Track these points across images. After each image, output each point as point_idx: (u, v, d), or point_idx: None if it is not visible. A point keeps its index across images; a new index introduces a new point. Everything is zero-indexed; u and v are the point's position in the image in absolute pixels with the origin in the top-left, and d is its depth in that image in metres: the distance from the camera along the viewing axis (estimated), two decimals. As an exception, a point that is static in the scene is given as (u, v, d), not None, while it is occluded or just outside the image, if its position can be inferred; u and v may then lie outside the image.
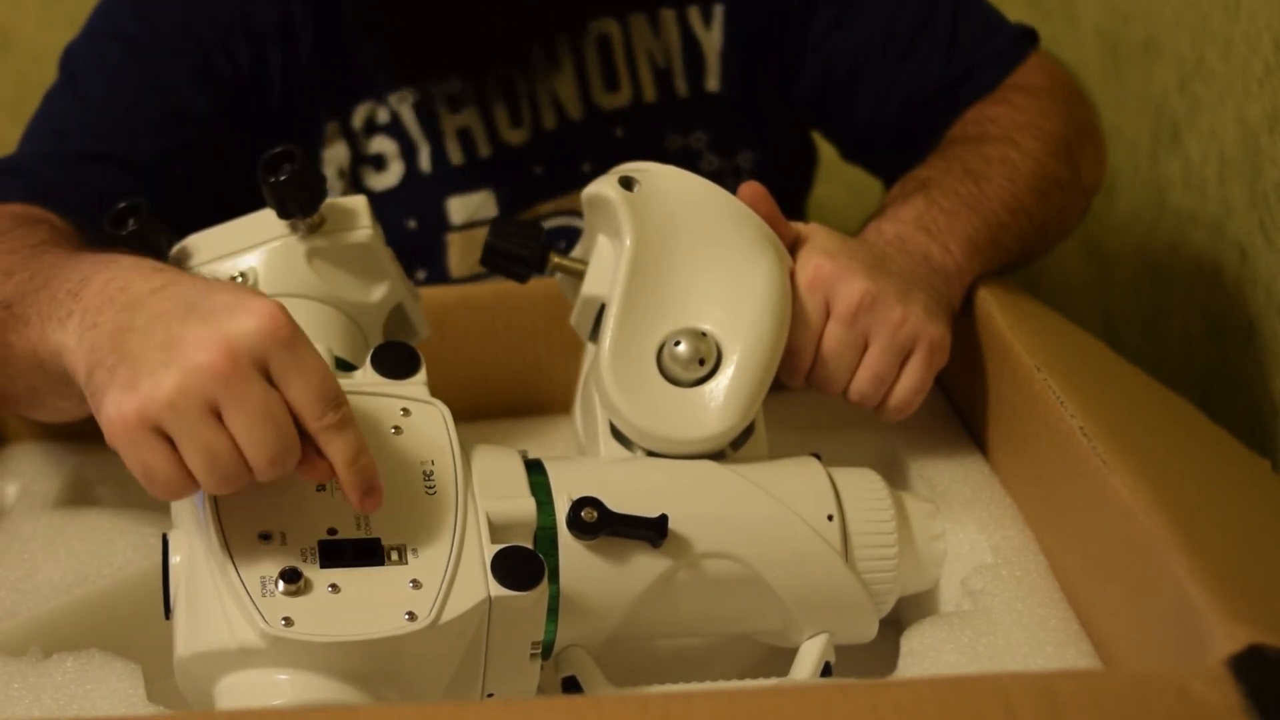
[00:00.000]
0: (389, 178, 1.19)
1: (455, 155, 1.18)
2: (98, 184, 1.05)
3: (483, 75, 1.17)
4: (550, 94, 1.19)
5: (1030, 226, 1.04)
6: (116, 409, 0.70)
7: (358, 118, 1.17)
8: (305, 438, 0.72)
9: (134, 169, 1.08)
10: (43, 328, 0.78)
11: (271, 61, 1.14)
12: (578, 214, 1.19)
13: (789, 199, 1.29)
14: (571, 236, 1.20)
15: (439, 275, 1.20)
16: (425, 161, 1.18)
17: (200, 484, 0.71)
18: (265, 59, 1.14)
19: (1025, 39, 1.18)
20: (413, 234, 1.19)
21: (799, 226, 0.93)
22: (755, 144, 1.24)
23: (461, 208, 1.19)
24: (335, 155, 1.18)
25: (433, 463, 0.79)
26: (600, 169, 1.19)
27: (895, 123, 1.18)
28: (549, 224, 1.21)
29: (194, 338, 0.70)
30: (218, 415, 0.70)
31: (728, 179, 1.22)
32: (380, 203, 1.14)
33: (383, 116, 1.18)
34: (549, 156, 1.20)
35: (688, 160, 1.22)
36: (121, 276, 0.76)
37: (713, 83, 1.21)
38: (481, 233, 1.17)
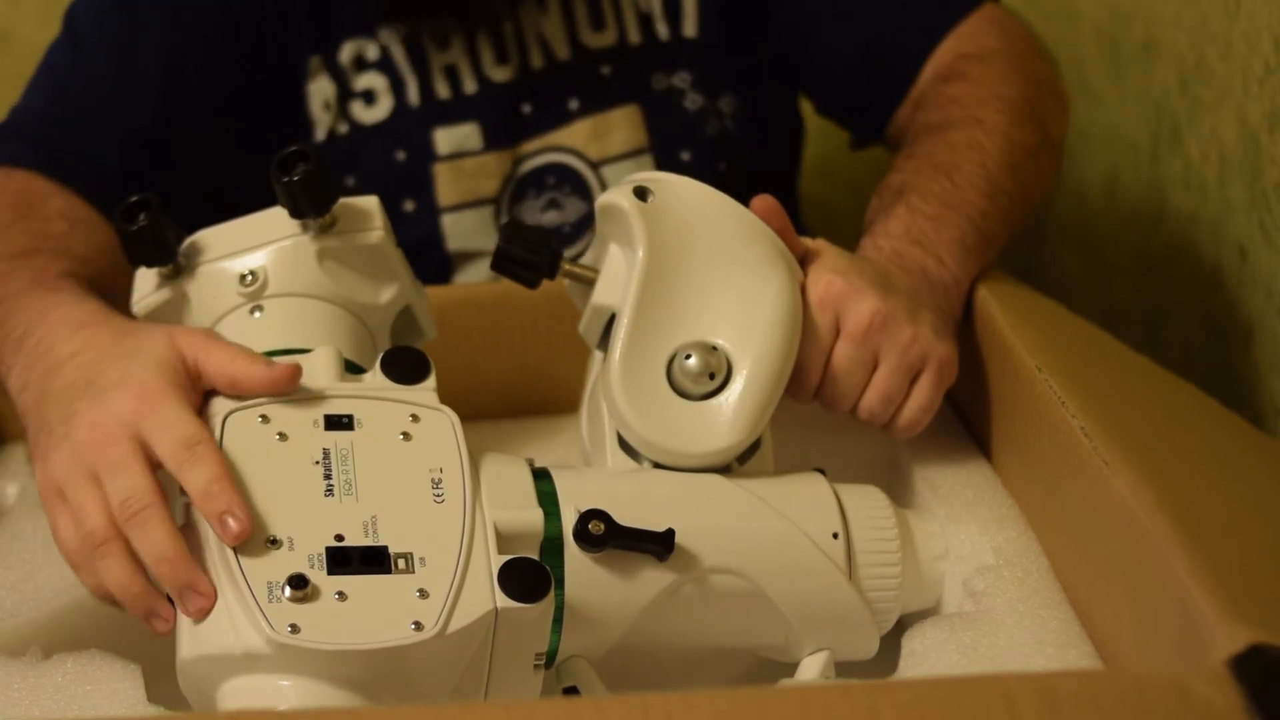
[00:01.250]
0: (379, 111, 1.22)
1: (442, 90, 1.21)
2: (98, 147, 1.10)
3: (470, 13, 1.20)
4: (538, 34, 1.22)
5: (1012, 204, 1.04)
6: (40, 476, 0.82)
7: (345, 54, 1.20)
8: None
9: (132, 129, 1.12)
10: None
11: (269, 9, 1.18)
12: (564, 150, 1.21)
13: (774, 163, 1.31)
14: (559, 172, 1.23)
15: (427, 206, 1.22)
16: (414, 95, 1.21)
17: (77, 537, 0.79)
18: (263, 10, 1.17)
19: None
20: (401, 165, 1.22)
21: (808, 242, 0.93)
22: (737, 88, 1.26)
23: (447, 139, 1.22)
24: (320, 89, 1.20)
25: (441, 470, 0.79)
26: (587, 106, 1.23)
27: (854, 70, 1.20)
28: (537, 160, 1.23)
29: (84, 416, 0.81)
30: (99, 482, 0.79)
31: (710, 119, 1.24)
32: (370, 136, 1.21)
33: (372, 53, 1.20)
34: (537, 95, 1.23)
35: (672, 98, 1.24)
36: (49, 336, 0.87)
37: (690, 28, 1.24)
38: (468, 163, 1.22)
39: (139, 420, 0.79)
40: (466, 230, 1.22)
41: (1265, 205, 1.12)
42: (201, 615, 0.74)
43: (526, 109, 1.22)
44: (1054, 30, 1.58)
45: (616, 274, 0.89)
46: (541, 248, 0.91)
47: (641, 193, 0.88)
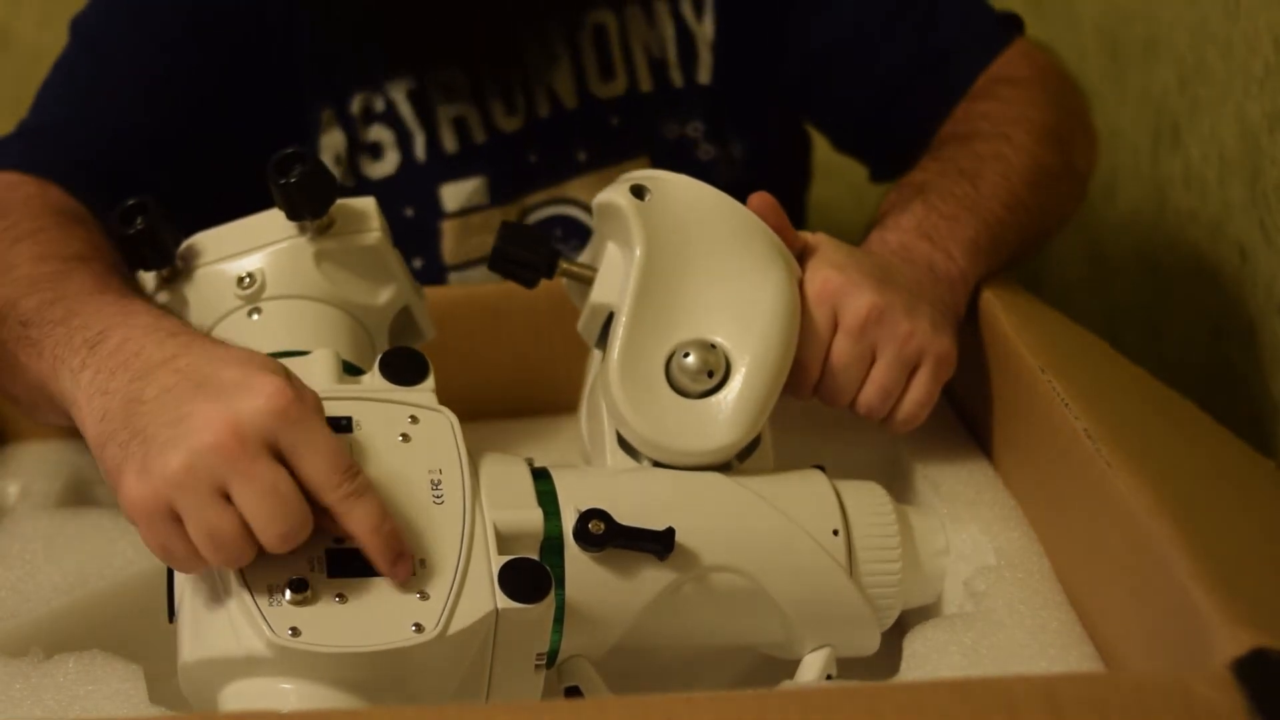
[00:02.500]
0: (386, 166, 1.19)
1: (450, 143, 1.19)
2: (128, 166, 1.07)
3: (479, 65, 1.18)
4: (545, 83, 1.20)
5: (1029, 220, 1.04)
6: (135, 491, 0.72)
7: (355, 105, 1.18)
8: (324, 513, 0.73)
9: (157, 148, 1.10)
10: (55, 368, 0.81)
11: (276, 49, 1.15)
12: (571, 202, 1.20)
13: (785, 190, 1.30)
14: (566, 225, 1.21)
15: (434, 262, 1.21)
16: (420, 150, 1.19)
17: (207, 561, 0.72)
18: (270, 48, 1.15)
19: (1008, 25, 1.18)
20: (409, 222, 1.20)
21: (806, 236, 0.93)
22: (748, 133, 1.24)
23: (454, 195, 1.20)
24: (332, 142, 1.18)
25: (440, 472, 0.78)
26: (595, 157, 1.20)
27: (877, 108, 1.19)
28: (543, 213, 1.21)
29: (202, 416, 0.71)
30: (225, 495, 0.71)
31: (723, 167, 1.23)
32: (378, 191, 1.15)
33: (379, 105, 1.18)
34: (543, 144, 1.20)
35: (684, 149, 1.22)
36: (136, 339, 0.78)
37: (704, 75, 1.22)
38: (475, 219, 1.19)
39: (278, 425, 0.71)
40: None
41: (1265, 205, 1.12)
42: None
43: (533, 159, 1.20)
44: (1054, 30, 1.58)
45: (614, 272, 0.89)
46: (539, 247, 0.91)
47: (639, 191, 0.88)
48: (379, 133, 1.19)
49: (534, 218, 1.21)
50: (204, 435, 0.70)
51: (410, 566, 0.73)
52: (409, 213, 1.20)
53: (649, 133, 1.22)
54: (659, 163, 1.20)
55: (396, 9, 1.15)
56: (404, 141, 1.19)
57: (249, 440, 0.71)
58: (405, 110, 1.18)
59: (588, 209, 1.20)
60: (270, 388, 0.72)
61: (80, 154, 1.06)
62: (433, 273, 1.20)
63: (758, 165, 1.25)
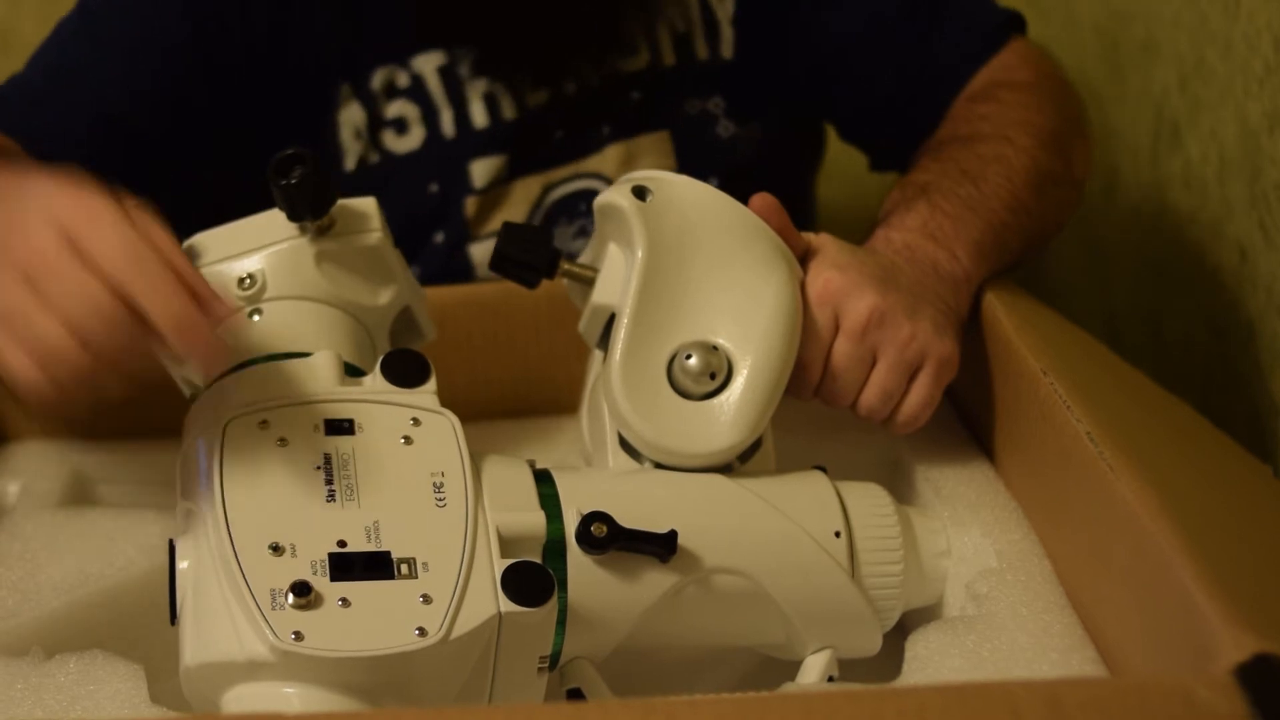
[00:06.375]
0: (410, 141, 1.19)
1: (479, 119, 1.19)
2: (107, 153, 1.08)
3: (507, 39, 1.18)
4: (570, 59, 1.19)
5: (1030, 222, 1.04)
6: None
7: (376, 80, 1.18)
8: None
9: (142, 136, 1.11)
10: None
11: (291, 26, 1.15)
12: (595, 177, 1.20)
13: (799, 174, 1.30)
14: (590, 199, 1.21)
15: (458, 237, 1.21)
16: (448, 125, 1.19)
17: (44, 377, 0.73)
18: (284, 24, 1.15)
19: (1011, 23, 1.19)
20: (434, 197, 1.20)
21: (809, 237, 0.93)
22: (767, 113, 1.25)
23: (484, 171, 1.20)
24: (350, 117, 1.18)
25: (443, 474, 0.78)
26: (617, 132, 1.20)
27: (884, 99, 1.19)
28: (567, 187, 1.21)
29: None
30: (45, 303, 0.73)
31: (741, 146, 1.23)
32: (402, 166, 1.17)
33: (403, 80, 1.18)
34: (568, 121, 1.21)
35: (705, 125, 1.23)
36: None
37: (727, 50, 1.22)
38: (500, 193, 1.20)
39: (70, 223, 0.73)
40: None
41: (1265, 205, 1.12)
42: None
43: (559, 134, 1.20)
44: (1054, 30, 1.58)
45: (616, 273, 0.89)
46: (540, 248, 0.91)
47: (640, 192, 0.88)
48: (403, 108, 1.19)
49: (559, 192, 1.21)
50: (14, 251, 0.73)
51: (218, 353, 0.74)
52: (434, 188, 1.20)
53: (670, 108, 1.22)
54: (680, 137, 1.22)
55: None
56: (430, 117, 1.19)
57: (43, 234, 0.72)
58: (434, 85, 1.18)
59: (610, 182, 1.20)
60: (73, 194, 0.74)
61: (48, 128, 1.07)
62: (457, 247, 1.21)
63: (774, 147, 1.25)
